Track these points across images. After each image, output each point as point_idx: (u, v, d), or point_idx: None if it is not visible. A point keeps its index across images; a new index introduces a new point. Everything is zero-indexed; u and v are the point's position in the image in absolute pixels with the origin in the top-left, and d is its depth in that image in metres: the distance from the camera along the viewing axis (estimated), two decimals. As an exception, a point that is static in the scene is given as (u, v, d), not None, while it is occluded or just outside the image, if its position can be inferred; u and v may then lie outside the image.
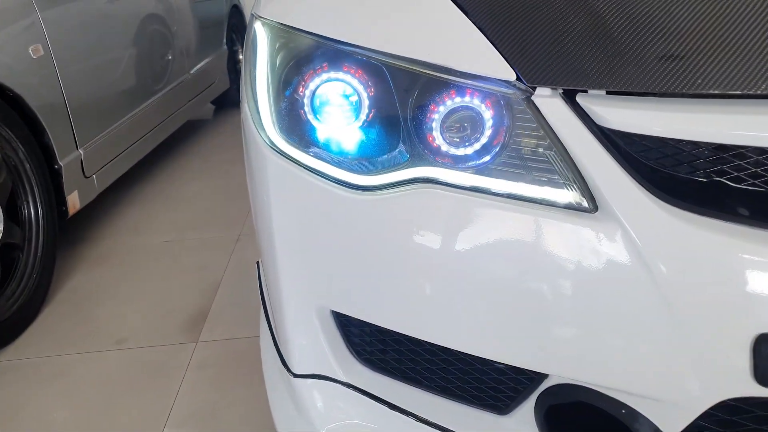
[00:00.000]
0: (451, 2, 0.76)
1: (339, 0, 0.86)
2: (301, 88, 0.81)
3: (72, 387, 1.39)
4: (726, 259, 0.60)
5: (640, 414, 0.66)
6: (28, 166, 1.66)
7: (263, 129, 0.84)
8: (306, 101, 0.80)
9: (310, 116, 0.80)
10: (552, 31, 0.71)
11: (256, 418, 1.21)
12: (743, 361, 0.60)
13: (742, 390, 0.61)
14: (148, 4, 2.66)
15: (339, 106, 0.79)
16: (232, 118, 3.66)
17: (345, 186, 0.76)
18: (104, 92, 2.15)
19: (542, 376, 0.72)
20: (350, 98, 0.78)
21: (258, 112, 0.84)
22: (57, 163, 1.81)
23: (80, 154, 1.94)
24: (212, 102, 3.64)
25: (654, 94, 0.65)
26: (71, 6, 1.99)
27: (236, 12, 3.97)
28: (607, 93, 0.67)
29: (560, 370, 0.68)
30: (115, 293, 1.79)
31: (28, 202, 1.67)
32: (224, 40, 3.65)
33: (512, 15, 0.73)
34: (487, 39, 0.71)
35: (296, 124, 0.81)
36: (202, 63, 3.25)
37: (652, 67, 0.65)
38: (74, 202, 1.90)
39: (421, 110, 0.74)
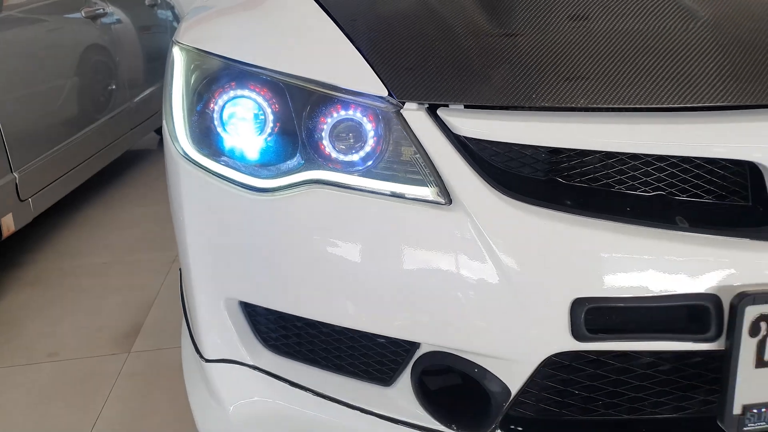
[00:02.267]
0: (338, 29, 0.90)
1: (245, 28, 0.99)
2: (211, 104, 0.92)
3: (15, 398, 1.43)
4: (550, 239, 0.74)
5: (489, 371, 0.79)
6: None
7: (177, 141, 0.94)
8: (215, 115, 0.92)
9: (219, 129, 0.91)
10: (420, 54, 0.85)
11: (181, 417, 1.28)
12: (563, 321, 0.73)
13: (563, 346, 0.74)
14: (90, 34, 2.74)
15: (244, 119, 0.91)
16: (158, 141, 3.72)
17: (249, 189, 0.88)
18: (42, 118, 2.21)
19: (414, 347, 0.84)
20: (254, 113, 0.90)
21: (173, 125, 0.95)
22: (-9, 186, 1.85)
23: (15, 177, 1.99)
24: (156, 131, 3.70)
25: (501, 108, 0.79)
26: (8, 34, 2.06)
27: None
28: (465, 107, 0.81)
29: (426, 338, 0.80)
30: (48, 312, 1.83)
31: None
32: (168, 71, 3.73)
33: (388, 41, 0.87)
34: (366, 61, 0.85)
35: (206, 136, 0.92)
36: (145, 92, 3.33)
37: (499, 85, 0.80)
38: (8, 224, 1.94)
39: (313, 122, 0.87)
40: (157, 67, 3.55)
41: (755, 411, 0.73)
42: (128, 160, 3.38)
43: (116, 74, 3.00)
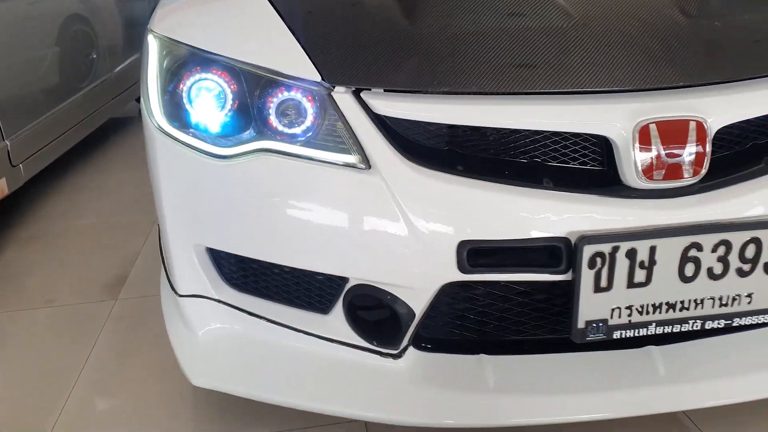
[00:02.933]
0: (283, 23, 1.09)
1: (209, 19, 1.18)
2: (180, 85, 1.12)
3: (4, 337, 1.64)
4: (443, 196, 0.96)
5: (399, 298, 1.01)
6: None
7: (153, 116, 1.14)
8: (184, 95, 1.11)
9: (187, 106, 1.11)
10: (348, 46, 1.04)
11: (160, 353, 1.51)
12: (451, 258, 0.95)
13: (452, 277, 0.97)
14: (71, 5, 2.87)
15: (207, 98, 1.11)
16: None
17: (211, 156, 1.08)
18: (29, 88, 2.37)
19: (344, 281, 1.06)
20: (215, 93, 1.10)
21: (149, 102, 1.15)
22: (-13, 152, 2.03)
23: (6, 145, 2.16)
24: (137, 100, 3.84)
25: (411, 92, 0.99)
26: (6, 23, 2.21)
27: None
28: (385, 91, 1.01)
29: (352, 273, 1.02)
30: (43, 267, 2.03)
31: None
32: (148, 41, 3.86)
33: (322, 34, 1.07)
34: (305, 51, 1.05)
35: (177, 112, 1.12)
36: (126, 62, 3.47)
37: (410, 73, 1.00)
38: (2, 188, 2.13)
39: (262, 101, 1.07)
40: (136, 36, 3.68)
41: (594, 325, 0.96)
42: (112, 127, 3.54)
43: (97, 44, 3.14)
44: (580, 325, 0.97)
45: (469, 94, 0.98)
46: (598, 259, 0.93)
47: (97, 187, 2.73)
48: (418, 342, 1.08)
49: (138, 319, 1.68)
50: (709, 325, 1.00)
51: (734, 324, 1.00)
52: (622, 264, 0.93)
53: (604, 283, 0.94)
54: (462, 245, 0.95)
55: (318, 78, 1.02)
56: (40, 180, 2.61)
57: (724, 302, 0.98)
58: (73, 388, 1.43)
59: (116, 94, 3.31)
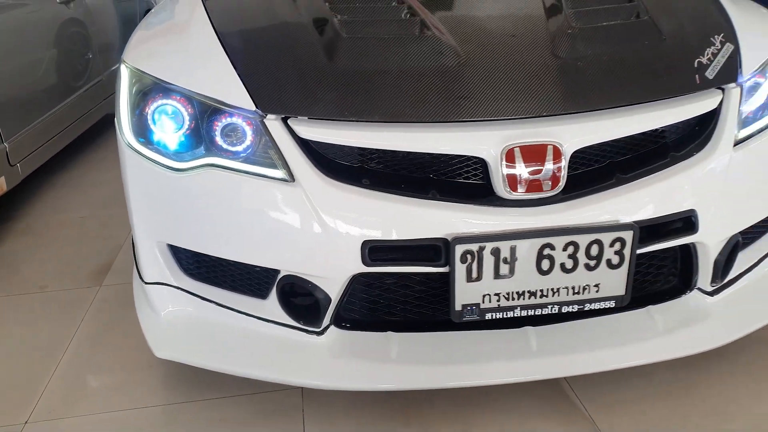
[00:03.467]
0: (228, 60, 1.32)
1: (169, 53, 1.42)
2: (146, 108, 1.36)
3: (12, 318, 1.89)
4: (351, 204, 1.19)
5: (318, 286, 1.25)
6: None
7: (123, 133, 1.38)
8: (149, 117, 1.35)
9: (150, 126, 1.35)
10: (279, 80, 1.28)
11: (134, 332, 1.75)
12: (357, 254, 1.19)
13: (358, 269, 1.20)
14: (66, 11, 3.09)
15: (167, 120, 1.34)
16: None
17: (169, 168, 1.32)
18: (26, 94, 2.61)
19: (277, 272, 1.30)
20: (173, 116, 1.34)
21: (121, 122, 1.39)
22: (-14, 153, 2.27)
23: (5, 147, 2.40)
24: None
25: (327, 120, 1.23)
26: (7, 33, 2.44)
27: (151, 15, 4.36)
28: (308, 118, 1.25)
29: (282, 266, 1.27)
30: (37, 255, 2.27)
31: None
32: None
33: (258, 69, 1.31)
34: (244, 85, 1.28)
35: (142, 131, 1.36)
36: (118, 64, 3.69)
37: (326, 104, 1.23)
38: (2, 185, 2.37)
39: (210, 124, 1.30)
40: (125, 38, 3.89)
41: (469, 308, 1.21)
42: (104, 125, 3.76)
43: (91, 45, 3.37)
44: (458, 307, 1.21)
45: (373, 122, 1.22)
46: (468, 256, 1.17)
47: (89, 183, 2.97)
48: (338, 322, 1.32)
49: (118, 304, 1.92)
50: (565, 309, 1.24)
51: (586, 309, 1.25)
52: (488, 260, 1.18)
53: (474, 274, 1.18)
54: (365, 244, 1.19)
55: (254, 108, 1.26)
56: (35, 175, 2.84)
57: (576, 291, 1.22)
58: (60, 360, 1.68)
59: (109, 93, 3.54)
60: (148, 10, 4.30)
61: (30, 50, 2.72)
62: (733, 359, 1.56)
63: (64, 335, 1.79)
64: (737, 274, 1.43)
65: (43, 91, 2.80)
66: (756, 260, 1.47)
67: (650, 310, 1.36)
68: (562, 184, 1.20)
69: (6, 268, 2.20)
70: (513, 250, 1.17)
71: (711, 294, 1.39)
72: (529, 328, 1.31)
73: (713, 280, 1.37)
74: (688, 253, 1.34)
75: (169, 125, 1.34)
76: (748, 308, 1.42)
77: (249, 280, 1.36)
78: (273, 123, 1.25)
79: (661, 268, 1.38)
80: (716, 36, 1.39)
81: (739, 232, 1.37)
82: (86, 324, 1.84)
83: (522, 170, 1.18)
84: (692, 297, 1.39)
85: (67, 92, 3.02)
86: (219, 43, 1.38)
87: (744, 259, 1.45)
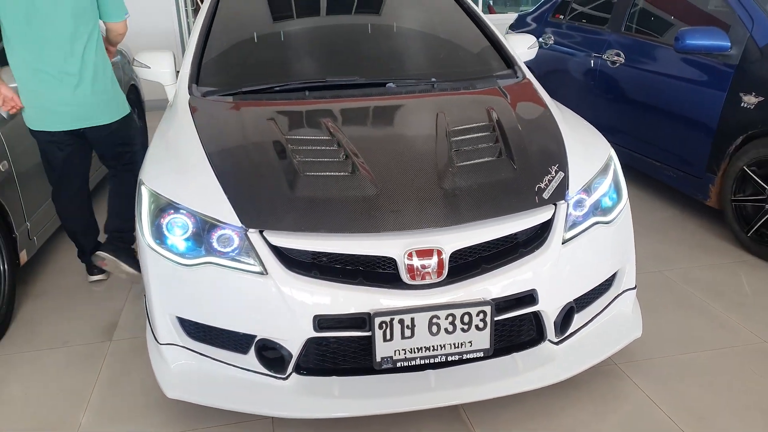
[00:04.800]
0: (221, 188, 1.92)
1: (178, 180, 2.01)
2: (161, 220, 1.94)
3: (37, 369, 2.41)
4: (305, 290, 1.79)
5: (283, 346, 1.84)
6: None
7: (145, 236, 1.96)
8: (163, 226, 1.94)
9: (165, 232, 1.93)
10: (257, 202, 1.88)
11: (143, 378, 2.30)
12: (310, 324, 1.79)
13: (311, 334, 1.79)
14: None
15: (176, 230, 1.93)
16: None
17: (178, 264, 1.90)
18: (43, 185, 3.14)
19: (254, 337, 1.88)
20: (181, 227, 1.92)
21: (143, 228, 1.97)
22: (14, 233, 2.80)
23: (27, 225, 2.94)
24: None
25: (290, 231, 1.83)
26: (24, 130, 2.99)
27: (134, 89, 4.90)
28: (278, 231, 1.85)
29: (258, 333, 1.85)
30: (53, 315, 2.79)
31: (1, 260, 2.66)
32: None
33: (242, 194, 1.90)
34: (233, 207, 1.88)
35: (159, 236, 1.94)
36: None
37: (289, 221, 1.84)
38: (23, 257, 2.89)
39: (209, 234, 1.89)
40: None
41: (385, 359, 1.81)
42: (101, 189, 4.29)
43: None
44: (378, 359, 1.81)
45: (321, 233, 1.83)
46: (384, 324, 1.77)
47: (88, 248, 3.49)
48: (298, 370, 1.91)
49: (128, 356, 2.47)
50: (450, 358, 1.85)
51: (465, 357, 1.86)
52: (397, 327, 1.78)
53: (388, 337, 1.79)
54: (315, 317, 1.79)
55: (239, 224, 1.86)
56: (45, 242, 3.35)
57: (456, 346, 1.84)
58: (89, 400, 2.21)
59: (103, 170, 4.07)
60: (133, 85, 4.88)
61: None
62: (582, 388, 2.20)
63: (89, 381, 2.32)
64: (576, 328, 2.07)
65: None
66: (590, 318, 2.12)
67: (514, 356, 1.98)
68: (444, 274, 1.82)
69: (28, 327, 2.72)
70: (413, 320, 1.78)
71: (557, 343, 2.02)
72: (429, 371, 1.91)
73: (557, 334, 2.01)
74: (537, 317, 1.97)
75: (178, 232, 1.93)
76: (584, 352, 2.05)
77: (234, 341, 1.93)
78: (253, 234, 1.85)
79: (522, 326, 2.01)
80: (553, 166, 2.06)
81: (573, 301, 2.01)
82: (104, 372, 2.37)
83: (417, 266, 1.80)
84: (544, 346, 2.01)
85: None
86: (213, 174, 1.98)
87: (581, 318, 2.08)
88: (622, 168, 2.30)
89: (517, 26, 5.50)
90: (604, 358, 2.08)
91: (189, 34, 3.68)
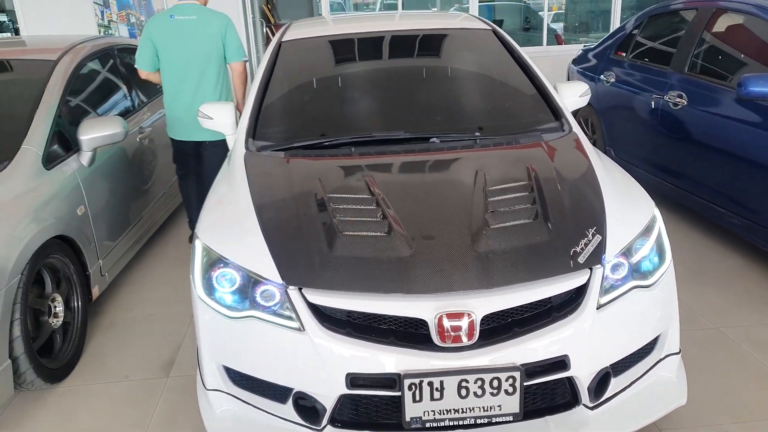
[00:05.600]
0: (267, 247, 2.04)
1: (229, 236, 2.15)
2: (212, 273, 2.08)
3: (102, 402, 2.61)
4: (342, 348, 1.87)
5: (317, 399, 1.92)
6: (74, 277, 2.90)
7: (196, 288, 2.11)
8: (213, 280, 2.08)
9: (215, 285, 2.07)
10: (296, 263, 1.98)
11: (194, 415, 2.44)
12: (343, 381, 1.86)
13: (344, 391, 1.87)
14: (142, 144, 3.94)
15: (225, 283, 2.06)
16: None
17: (225, 316, 2.03)
18: (115, 226, 3.41)
19: (292, 389, 1.97)
20: (229, 280, 2.06)
21: (195, 281, 2.12)
22: (87, 271, 3.05)
23: (100, 263, 3.19)
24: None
25: (327, 290, 1.93)
26: (100, 176, 3.27)
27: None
28: (316, 289, 1.95)
29: (295, 386, 1.94)
30: (119, 348, 3.01)
31: (74, 296, 2.91)
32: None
33: (284, 254, 2.01)
34: (275, 264, 1.99)
35: (209, 289, 2.08)
36: (171, 182, 4.48)
37: (327, 280, 1.93)
38: (96, 292, 3.14)
39: (253, 288, 2.01)
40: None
41: (414, 419, 1.85)
42: (164, 228, 4.57)
43: (156, 167, 4.20)
44: (407, 419, 1.86)
45: (356, 293, 1.91)
46: (413, 386, 1.83)
47: (154, 280, 3.73)
48: (333, 422, 1.98)
49: (181, 394, 2.63)
50: (479, 421, 1.87)
51: (494, 421, 1.88)
52: (426, 389, 1.83)
53: (417, 398, 1.84)
54: (348, 375, 1.86)
55: (281, 281, 1.97)
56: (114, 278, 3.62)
57: (485, 409, 1.86)
58: (143, 437, 2.38)
59: (170, 202, 4.36)
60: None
61: (120, 181, 3.54)
62: (620, 453, 2.15)
63: (146, 416, 2.49)
64: (612, 393, 2.04)
65: (127, 212, 3.61)
66: (628, 383, 2.08)
67: (547, 419, 1.98)
68: (475, 337, 1.86)
69: (96, 359, 2.94)
70: (442, 383, 1.83)
71: (592, 408, 2.00)
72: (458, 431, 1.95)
73: (591, 399, 1.99)
74: (570, 381, 1.96)
75: (226, 286, 2.06)
76: (622, 418, 2.03)
77: (274, 391, 2.04)
78: (292, 291, 1.95)
79: (556, 388, 2.01)
80: (590, 229, 2.06)
81: (608, 366, 1.99)
82: (160, 409, 2.54)
83: (448, 328, 1.85)
84: (578, 410, 2.00)
85: (141, 209, 3.83)
86: (260, 230, 2.10)
87: (618, 382, 2.06)
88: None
89: (579, 61, 5.45)
90: (644, 426, 2.04)
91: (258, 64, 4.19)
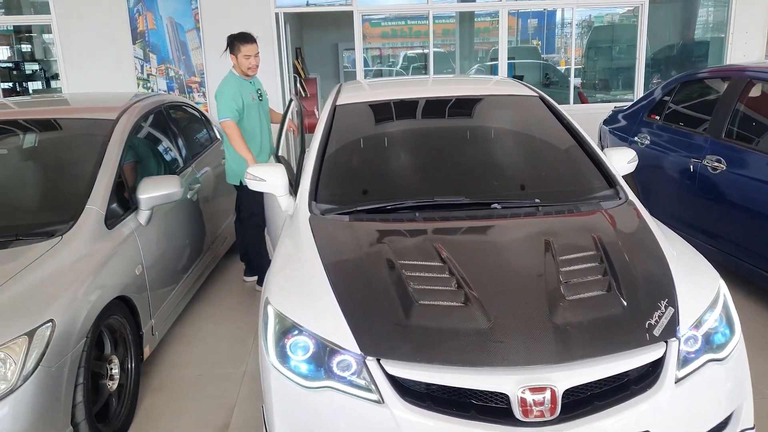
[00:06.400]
0: (342, 314, 2.06)
1: (303, 302, 2.17)
2: (286, 341, 2.10)
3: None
4: (421, 422, 1.87)
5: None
6: (130, 337, 2.92)
7: (269, 355, 2.12)
8: (287, 347, 2.09)
9: (289, 353, 2.08)
10: (374, 333, 2.00)
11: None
12: (423, 455, 1.85)
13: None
14: (192, 202, 4.01)
15: (299, 351, 2.07)
16: (234, 266, 4.90)
17: (300, 385, 2.03)
18: (167, 284, 3.45)
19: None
20: (304, 349, 2.07)
21: (267, 346, 2.13)
22: (141, 330, 3.07)
23: (152, 322, 3.21)
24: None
25: (407, 361, 1.93)
26: (155, 233, 3.32)
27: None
28: (394, 360, 1.96)
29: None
30: (169, 411, 2.99)
31: (129, 358, 2.92)
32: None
33: (362, 326, 2.03)
34: (353, 334, 2.01)
35: (282, 357, 2.09)
36: (216, 239, 4.55)
37: (407, 352, 1.94)
38: (147, 352, 3.15)
39: (330, 358, 2.02)
40: (222, 211, 4.77)
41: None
42: (208, 283, 4.60)
43: (204, 222, 4.25)
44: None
45: (436, 365, 1.91)
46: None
47: (200, 339, 3.73)
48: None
49: (239, 458, 2.60)
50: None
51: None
52: (509, 464, 1.82)
53: (502, 472, 1.82)
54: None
55: (359, 351, 1.98)
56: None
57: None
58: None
59: (213, 260, 4.40)
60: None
61: (172, 237, 3.60)
62: None
63: (204, 484, 2.46)
64: (691, 468, 2.02)
65: (178, 269, 3.65)
66: (706, 459, 2.06)
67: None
68: (557, 412, 1.85)
69: (149, 421, 2.93)
70: (525, 458, 1.82)
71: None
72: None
73: (671, 472, 1.96)
74: (654, 454, 1.94)
75: (300, 354, 2.07)
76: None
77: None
78: (371, 362, 1.96)
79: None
80: (662, 301, 2.07)
81: (688, 441, 1.97)
82: (218, 476, 2.51)
83: (531, 402, 1.84)
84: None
85: (190, 263, 3.88)
86: (333, 296, 2.12)
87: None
88: (728, 275, 2.27)
89: (610, 122, 5.56)
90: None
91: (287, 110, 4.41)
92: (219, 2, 7.03)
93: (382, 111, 3.36)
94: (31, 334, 2.27)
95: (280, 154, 3.86)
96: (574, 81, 8.42)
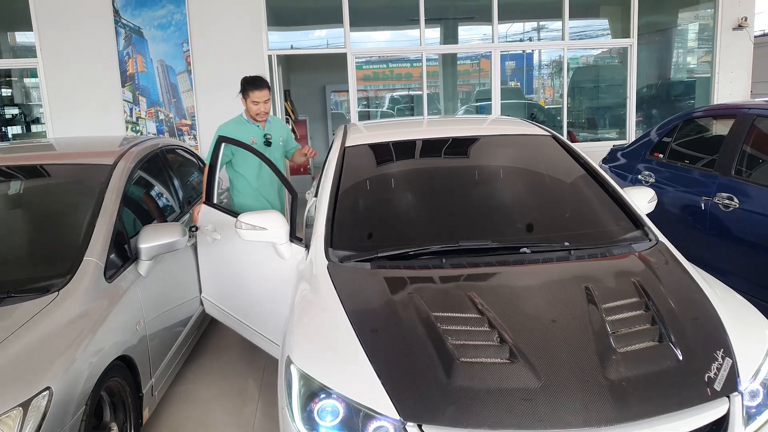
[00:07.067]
0: (375, 373, 1.88)
1: (326, 360, 1.99)
2: (313, 405, 1.91)
3: None
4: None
5: None
6: (129, 399, 2.69)
7: (294, 421, 1.92)
8: (315, 412, 1.90)
9: (316, 419, 1.89)
10: (415, 397, 1.82)
11: None
12: None
13: None
14: (190, 250, 3.81)
15: (327, 415, 1.88)
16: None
17: (330, 453, 1.84)
18: (167, 339, 3.23)
19: None
20: (333, 412, 1.88)
21: (291, 414, 1.93)
22: (141, 392, 2.83)
23: (152, 382, 2.98)
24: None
25: (449, 426, 1.76)
26: (154, 285, 3.12)
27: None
28: (439, 425, 1.77)
29: None
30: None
31: (128, 424, 2.68)
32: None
33: (399, 386, 1.85)
34: (389, 397, 1.83)
35: (309, 422, 1.90)
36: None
37: (449, 416, 1.76)
38: (146, 414, 2.91)
39: (364, 425, 1.83)
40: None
41: None
42: (203, 340, 4.36)
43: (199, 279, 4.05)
44: None
45: (481, 429, 1.74)
46: None
47: (201, 398, 3.47)
48: None
49: None
50: None
51: None
52: None
53: None
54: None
55: (397, 417, 1.80)
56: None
57: None
58: None
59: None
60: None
61: (171, 288, 3.38)
62: None
63: None
64: None
65: (177, 322, 3.43)
66: None
67: None
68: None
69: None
70: None
71: None
72: None
73: None
74: None
75: (328, 419, 1.88)
76: None
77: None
78: (412, 429, 1.78)
79: None
80: (718, 351, 1.93)
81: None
82: None
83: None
84: None
85: (190, 316, 3.65)
86: (365, 355, 1.95)
87: None
88: None
89: (610, 160, 5.52)
90: None
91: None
92: (211, 45, 6.97)
93: (395, 152, 3.24)
94: (26, 405, 2.04)
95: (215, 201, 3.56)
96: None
